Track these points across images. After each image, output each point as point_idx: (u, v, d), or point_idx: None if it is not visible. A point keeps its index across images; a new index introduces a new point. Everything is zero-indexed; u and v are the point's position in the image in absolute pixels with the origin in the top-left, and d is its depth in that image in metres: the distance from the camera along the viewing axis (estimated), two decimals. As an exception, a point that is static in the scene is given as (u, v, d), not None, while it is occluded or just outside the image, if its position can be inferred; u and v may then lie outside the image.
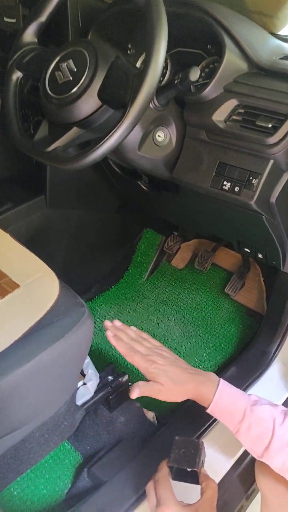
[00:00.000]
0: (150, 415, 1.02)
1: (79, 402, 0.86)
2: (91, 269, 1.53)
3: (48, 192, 1.25)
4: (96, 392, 0.89)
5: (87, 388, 0.88)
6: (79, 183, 1.30)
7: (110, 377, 0.93)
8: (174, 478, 0.74)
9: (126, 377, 0.93)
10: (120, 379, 0.92)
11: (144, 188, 1.20)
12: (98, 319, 1.43)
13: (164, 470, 0.74)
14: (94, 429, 0.97)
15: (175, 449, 0.75)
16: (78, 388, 0.87)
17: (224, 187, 0.91)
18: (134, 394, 0.84)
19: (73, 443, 1.02)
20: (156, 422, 1.02)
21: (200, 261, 1.44)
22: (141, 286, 1.54)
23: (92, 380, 0.88)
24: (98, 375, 0.90)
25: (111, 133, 0.77)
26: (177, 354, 1.27)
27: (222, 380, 0.83)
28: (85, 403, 0.87)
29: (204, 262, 1.43)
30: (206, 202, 1.04)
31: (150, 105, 0.88)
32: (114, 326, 0.92)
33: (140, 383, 0.85)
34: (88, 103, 0.82)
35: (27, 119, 1.23)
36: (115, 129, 0.77)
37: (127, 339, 0.91)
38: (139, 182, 1.20)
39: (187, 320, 1.41)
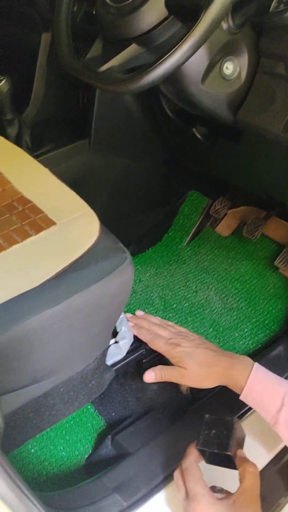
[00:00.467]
0: (184, 387, 0.92)
1: (109, 361, 0.77)
2: (128, 227, 1.42)
3: (92, 135, 1.14)
4: (129, 353, 0.80)
5: (119, 347, 0.78)
6: (126, 129, 1.18)
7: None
8: (208, 462, 0.64)
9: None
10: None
11: (199, 136, 1.07)
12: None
13: (193, 455, 0.64)
14: (122, 395, 0.88)
15: (205, 429, 0.64)
16: (109, 346, 0.78)
17: (298, 131, 0.77)
18: (148, 377, 0.76)
19: (97, 407, 0.93)
20: (190, 394, 0.92)
21: (250, 229, 1.30)
22: (181, 251, 1.42)
23: (125, 338, 0.78)
24: (132, 334, 0.80)
25: (176, 47, 0.64)
26: (216, 326, 1.16)
27: (257, 364, 0.72)
28: (115, 364, 0.77)
29: (254, 230, 1.30)
30: (272, 152, 0.90)
31: (223, 24, 0.74)
32: (135, 316, 0.86)
33: (160, 366, 0.77)
34: (152, 13, 0.69)
35: (79, 51, 1.12)
36: (181, 42, 0.64)
37: (148, 325, 0.82)
38: (193, 130, 1.07)
39: (229, 291, 1.29)
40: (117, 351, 0.78)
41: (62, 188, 0.81)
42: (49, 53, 1.19)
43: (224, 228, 1.46)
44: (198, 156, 1.15)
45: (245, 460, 0.61)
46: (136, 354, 0.80)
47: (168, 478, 0.71)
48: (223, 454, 0.62)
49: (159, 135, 1.19)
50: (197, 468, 0.62)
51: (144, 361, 0.82)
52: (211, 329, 1.15)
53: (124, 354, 0.78)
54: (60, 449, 0.86)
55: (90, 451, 0.86)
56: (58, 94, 1.23)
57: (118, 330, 0.80)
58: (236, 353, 1.07)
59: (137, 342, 0.82)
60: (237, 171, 1.07)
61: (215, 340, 1.12)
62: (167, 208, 1.47)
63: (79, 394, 0.70)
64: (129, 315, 0.84)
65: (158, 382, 0.85)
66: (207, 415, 0.65)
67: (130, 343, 0.79)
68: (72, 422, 0.91)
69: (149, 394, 0.85)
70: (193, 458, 0.63)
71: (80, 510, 0.61)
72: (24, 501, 0.47)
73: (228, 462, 0.63)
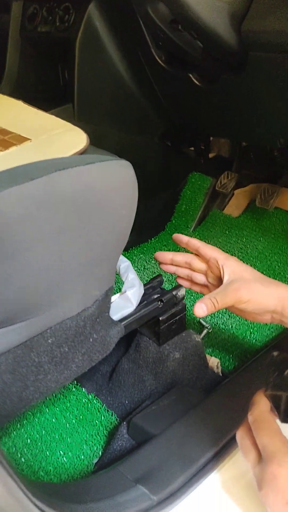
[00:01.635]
0: (214, 361, 0.73)
1: (116, 316, 0.58)
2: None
3: (76, 100, 1.01)
4: (140, 308, 0.61)
5: (127, 298, 0.59)
6: (114, 93, 1.05)
7: (159, 290, 0.64)
8: (284, 420, 0.44)
9: (182, 292, 0.64)
10: (174, 293, 0.63)
11: (196, 82, 0.94)
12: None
13: (262, 403, 0.45)
14: (136, 374, 0.68)
15: (275, 370, 0.45)
16: (112, 302, 0.59)
17: None
18: (199, 310, 0.56)
19: (105, 399, 0.73)
20: (221, 373, 0.72)
21: (264, 198, 1.15)
22: (188, 237, 1.26)
23: (134, 287, 0.60)
24: (142, 284, 0.62)
25: None
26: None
27: None
28: (124, 319, 0.58)
29: (269, 198, 1.14)
30: (280, 77, 0.77)
31: None
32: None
33: (209, 294, 0.58)
34: None
35: None
36: None
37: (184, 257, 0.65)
38: (190, 75, 0.94)
39: (248, 271, 1.11)
40: (125, 304, 0.59)
41: (39, 113, 0.66)
42: (22, 23, 1.09)
43: (233, 208, 1.31)
44: (196, 108, 1.02)
45: None
46: (151, 307, 0.61)
47: (212, 461, 0.51)
48: None
49: (153, 103, 1.07)
50: (271, 418, 0.43)
51: (161, 318, 0.63)
52: (230, 316, 0.96)
53: (134, 306, 0.59)
54: (59, 455, 0.65)
55: (100, 453, 0.65)
56: (35, 70, 1.13)
57: (123, 279, 0.61)
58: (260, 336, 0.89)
59: (150, 295, 0.63)
60: (244, 113, 0.93)
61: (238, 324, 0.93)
62: (168, 193, 1.32)
63: (76, 352, 0.51)
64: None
65: (180, 350, 0.66)
66: (275, 352, 0.46)
67: (141, 294, 0.61)
68: (73, 420, 0.70)
69: (171, 366, 0.65)
70: (264, 407, 0.44)
71: (93, 504, 0.40)
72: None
73: None
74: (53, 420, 0.70)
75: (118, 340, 0.56)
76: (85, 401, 0.74)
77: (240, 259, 1.16)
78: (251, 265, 1.13)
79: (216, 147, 1.42)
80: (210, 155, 1.42)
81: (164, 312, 0.63)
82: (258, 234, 1.20)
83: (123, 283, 0.61)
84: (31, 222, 0.39)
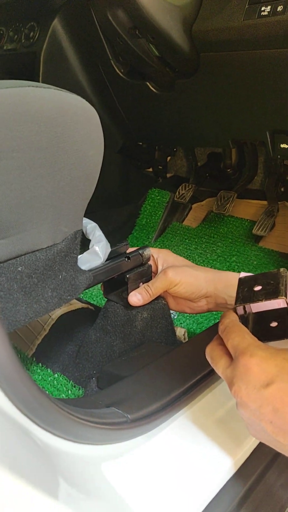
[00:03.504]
0: (181, 331, 0.73)
1: (84, 267, 0.58)
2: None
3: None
4: (107, 262, 0.62)
5: (95, 252, 0.60)
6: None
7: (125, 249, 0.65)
8: (253, 332, 0.45)
9: (148, 251, 0.66)
10: (141, 251, 0.65)
11: (153, 89, 1.02)
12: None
13: (232, 315, 0.46)
14: (104, 342, 0.67)
15: (243, 288, 0.47)
16: (80, 256, 0.60)
17: (262, 13, 0.73)
18: (134, 299, 0.63)
19: (72, 376, 0.70)
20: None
21: (221, 203, 1.22)
22: (149, 247, 1.29)
23: (101, 241, 0.61)
24: (108, 243, 0.63)
25: None
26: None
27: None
28: (92, 270, 0.59)
29: (226, 203, 1.21)
30: (233, 73, 0.86)
31: None
32: None
33: (144, 285, 0.63)
34: None
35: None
36: None
37: None
38: (147, 83, 1.02)
39: (209, 271, 1.14)
40: (93, 257, 0.60)
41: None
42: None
43: (192, 221, 1.37)
44: (155, 117, 1.09)
45: None
46: (117, 261, 0.62)
47: (185, 395, 0.50)
48: (273, 312, 0.45)
49: (113, 113, 1.14)
50: (241, 324, 0.44)
51: (128, 275, 0.64)
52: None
53: (102, 259, 0.60)
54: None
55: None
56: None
57: (90, 237, 0.63)
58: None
59: (117, 254, 0.64)
60: (201, 115, 1.01)
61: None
62: (128, 208, 1.37)
63: (45, 287, 0.50)
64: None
65: (148, 311, 0.66)
66: (241, 275, 0.48)
67: (108, 250, 0.62)
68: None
69: (140, 326, 0.65)
70: (233, 317, 0.45)
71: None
72: None
73: (283, 322, 0.45)
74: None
75: (86, 287, 0.57)
76: (50, 379, 0.71)
77: (200, 263, 1.21)
78: (211, 267, 1.17)
79: (173, 168, 1.50)
80: (168, 175, 1.49)
81: (131, 270, 0.64)
82: (216, 240, 1.25)
83: (90, 242, 0.63)
84: (4, 129, 0.41)
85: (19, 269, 0.47)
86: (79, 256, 0.59)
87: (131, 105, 1.11)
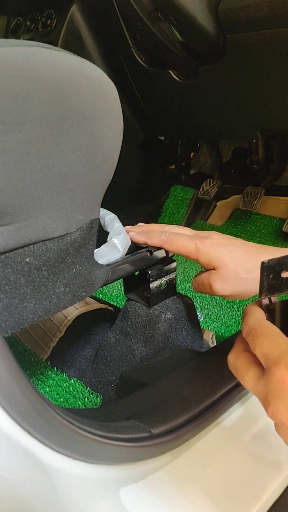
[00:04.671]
0: (209, 334, 0.66)
1: (102, 261, 0.52)
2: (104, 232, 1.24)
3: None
4: (127, 256, 0.56)
5: (114, 245, 0.54)
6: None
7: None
8: (281, 326, 0.38)
9: (174, 264, 0.60)
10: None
11: (176, 78, 0.96)
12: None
13: (256, 312, 0.38)
14: (124, 345, 0.61)
15: (267, 275, 0.39)
16: (97, 250, 0.54)
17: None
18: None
19: (90, 382, 0.65)
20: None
21: (248, 200, 1.15)
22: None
23: (121, 234, 0.55)
24: (128, 236, 0.57)
25: None
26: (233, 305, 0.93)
27: None
28: (110, 265, 0.53)
29: (253, 199, 1.14)
30: (263, 55, 0.79)
31: None
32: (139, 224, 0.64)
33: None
34: None
35: None
36: None
37: (160, 227, 0.61)
38: (170, 72, 0.96)
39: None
40: (111, 251, 0.54)
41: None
42: (5, 36, 1.12)
43: (217, 219, 1.30)
44: (177, 108, 1.03)
45: None
46: (140, 255, 0.56)
47: (214, 407, 0.43)
48: None
49: (133, 106, 1.08)
50: (270, 324, 0.36)
51: (150, 272, 0.57)
52: (221, 308, 0.91)
53: (121, 253, 0.54)
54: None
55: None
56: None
57: (108, 230, 0.57)
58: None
59: (137, 249, 0.58)
60: (224, 104, 0.94)
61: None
62: (150, 206, 1.31)
63: (57, 281, 0.45)
64: (129, 226, 0.62)
65: (172, 311, 0.60)
66: (266, 260, 0.41)
67: (128, 244, 0.56)
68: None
69: (163, 328, 0.59)
70: (258, 315, 0.37)
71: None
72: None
73: None
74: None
75: (103, 283, 0.51)
76: (66, 385, 0.65)
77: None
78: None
79: (196, 164, 1.44)
80: (191, 172, 1.43)
81: (153, 266, 0.58)
82: (243, 239, 1.17)
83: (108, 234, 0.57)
84: (10, 96, 0.36)
85: (27, 260, 0.42)
86: (96, 250, 0.54)
87: (153, 96, 1.05)
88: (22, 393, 0.24)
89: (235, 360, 0.36)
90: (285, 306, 0.39)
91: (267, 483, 0.37)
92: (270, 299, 0.39)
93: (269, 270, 0.39)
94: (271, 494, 0.37)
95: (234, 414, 0.44)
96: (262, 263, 0.40)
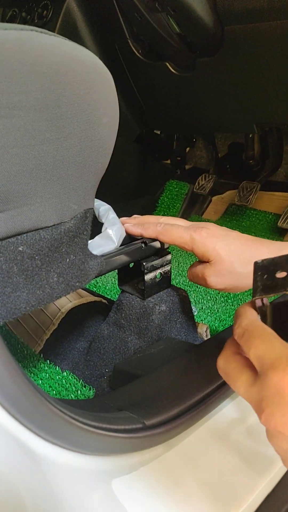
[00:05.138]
0: (203, 327, 0.66)
1: (96, 252, 0.52)
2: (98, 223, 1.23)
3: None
4: (122, 247, 0.55)
5: (108, 235, 0.54)
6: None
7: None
8: (273, 327, 0.37)
9: (169, 257, 0.59)
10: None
11: (173, 70, 0.95)
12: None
13: (249, 313, 0.36)
14: (117, 337, 0.60)
15: (261, 275, 0.38)
16: (91, 241, 0.54)
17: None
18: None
19: (83, 374, 0.64)
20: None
21: (243, 194, 1.14)
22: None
23: (116, 225, 0.54)
24: (123, 227, 0.57)
25: None
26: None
27: None
28: (104, 255, 0.52)
29: (248, 194, 1.13)
30: (260, 48, 0.78)
31: None
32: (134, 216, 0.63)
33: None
34: None
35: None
36: None
37: (155, 219, 0.60)
38: (166, 64, 0.96)
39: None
40: (106, 242, 0.54)
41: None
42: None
43: (212, 214, 1.29)
44: (173, 101, 1.03)
45: None
46: (134, 246, 0.56)
47: (209, 399, 0.43)
48: None
49: (128, 99, 1.07)
50: (265, 326, 0.34)
51: (145, 264, 0.57)
52: (216, 302, 0.91)
53: (115, 244, 0.54)
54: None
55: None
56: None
57: (103, 220, 0.56)
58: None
59: (132, 241, 0.58)
60: (220, 96, 0.94)
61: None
62: (145, 200, 1.30)
63: (50, 271, 0.44)
64: (124, 218, 0.61)
65: (166, 303, 0.60)
66: (259, 260, 0.40)
67: (123, 235, 0.55)
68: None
69: (157, 320, 0.58)
70: (253, 317, 0.35)
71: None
72: None
73: None
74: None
75: (97, 273, 0.50)
76: (59, 377, 0.65)
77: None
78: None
79: (192, 159, 1.43)
80: (187, 167, 1.42)
81: (148, 258, 0.57)
82: (240, 232, 1.17)
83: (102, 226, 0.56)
84: (3, 79, 0.35)
85: (20, 248, 0.41)
86: (90, 241, 0.53)
87: (149, 89, 1.04)
88: (13, 381, 0.24)
89: (226, 364, 0.34)
90: (277, 308, 0.38)
91: (261, 475, 0.37)
92: (262, 301, 0.38)
93: (263, 270, 0.38)
94: (265, 486, 0.37)
95: (227, 407, 0.44)
96: (256, 263, 0.38)
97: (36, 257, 0.42)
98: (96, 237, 0.54)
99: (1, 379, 0.24)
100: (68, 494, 0.27)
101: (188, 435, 0.41)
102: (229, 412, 0.43)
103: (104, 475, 0.31)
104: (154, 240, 0.57)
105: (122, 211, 1.24)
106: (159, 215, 1.30)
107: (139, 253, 0.56)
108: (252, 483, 0.36)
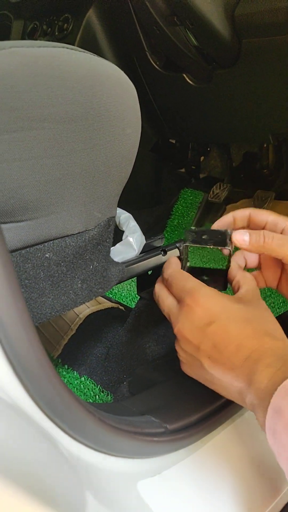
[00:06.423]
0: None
1: (117, 259, 0.53)
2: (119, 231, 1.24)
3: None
4: (142, 255, 0.56)
5: (129, 243, 0.55)
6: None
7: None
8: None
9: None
10: (178, 245, 0.59)
11: (190, 82, 0.97)
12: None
13: (173, 265, 0.50)
14: (135, 344, 0.61)
15: (192, 234, 0.51)
16: (112, 248, 0.55)
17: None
18: (239, 236, 0.46)
19: (100, 380, 0.65)
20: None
21: (258, 204, 1.15)
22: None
23: (136, 232, 0.56)
24: (143, 235, 0.58)
25: None
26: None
27: None
28: (125, 263, 0.53)
29: (263, 203, 1.14)
30: (277, 61, 0.80)
31: None
32: None
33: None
34: None
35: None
36: None
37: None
38: (184, 75, 0.97)
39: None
40: (126, 249, 0.55)
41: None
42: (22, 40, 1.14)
43: (226, 223, 1.30)
44: (190, 112, 1.04)
45: (240, 272, 0.48)
46: (153, 254, 0.57)
47: (232, 403, 0.44)
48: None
49: (146, 109, 1.09)
50: (183, 271, 0.48)
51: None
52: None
53: (136, 251, 0.55)
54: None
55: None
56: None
57: (124, 228, 0.57)
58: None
59: (152, 248, 0.59)
60: (238, 109, 0.95)
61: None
62: (160, 208, 1.32)
63: (75, 277, 0.45)
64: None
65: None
66: (192, 227, 0.53)
67: (143, 242, 0.56)
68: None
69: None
70: (175, 266, 0.49)
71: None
72: None
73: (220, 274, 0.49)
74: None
75: (118, 280, 0.51)
76: (77, 382, 0.66)
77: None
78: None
79: (206, 168, 1.44)
80: (201, 175, 1.44)
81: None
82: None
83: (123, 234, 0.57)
84: (36, 93, 0.36)
85: (47, 255, 0.43)
86: (111, 248, 0.54)
87: (166, 100, 1.06)
88: (49, 382, 0.25)
89: (159, 290, 0.48)
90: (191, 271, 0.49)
91: (283, 481, 0.37)
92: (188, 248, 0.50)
93: (192, 232, 0.50)
94: (286, 493, 0.37)
95: (249, 412, 0.44)
96: (185, 230, 0.51)
97: (62, 264, 0.44)
98: (117, 245, 0.55)
99: (38, 379, 0.25)
100: (95, 490, 0.28)
101: (210, 440, 0.42)
102: (251, 417, 0.44)
103: (131, 477, 0.32)
104: (173, 248, 0.58)
105: (136, 219, 1.26)
106: (173, 223, 1.31)
107: (159, 261, 0.57)
108: (275, 489, 0.36)
